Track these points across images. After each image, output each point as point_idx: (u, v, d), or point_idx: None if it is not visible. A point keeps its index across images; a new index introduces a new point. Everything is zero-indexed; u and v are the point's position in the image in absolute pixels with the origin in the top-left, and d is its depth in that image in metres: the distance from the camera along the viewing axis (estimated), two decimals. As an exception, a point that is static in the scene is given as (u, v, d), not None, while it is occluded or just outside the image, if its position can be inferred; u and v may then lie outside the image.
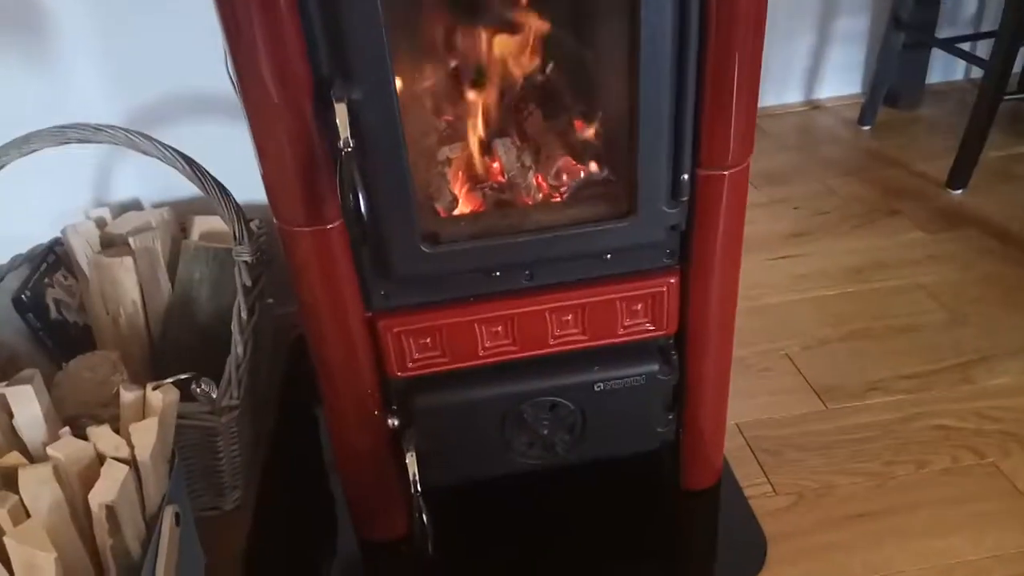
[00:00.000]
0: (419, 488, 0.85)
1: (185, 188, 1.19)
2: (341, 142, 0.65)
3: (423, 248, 0.76)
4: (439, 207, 0.82)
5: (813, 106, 2.06)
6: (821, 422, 1.10)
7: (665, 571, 0.93)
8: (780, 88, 2.06)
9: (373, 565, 0.97)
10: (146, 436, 0.79)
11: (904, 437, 1.07)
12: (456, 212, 0.82)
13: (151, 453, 0.78)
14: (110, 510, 0.73)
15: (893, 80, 1.94)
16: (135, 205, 1.30)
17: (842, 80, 2.08)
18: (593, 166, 0.84)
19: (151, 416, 0.82)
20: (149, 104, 1.23)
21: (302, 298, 0.79)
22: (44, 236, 1.21)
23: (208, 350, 1.08)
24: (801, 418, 1.11)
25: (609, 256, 0.82)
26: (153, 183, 1.29)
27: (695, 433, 0.95)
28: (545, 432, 0.90)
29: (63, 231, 1.18)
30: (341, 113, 0.66)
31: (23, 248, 1.18)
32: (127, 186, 1.30)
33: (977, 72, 1.87)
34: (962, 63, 2.10)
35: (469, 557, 0.96)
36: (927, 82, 2.06)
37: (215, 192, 1.00)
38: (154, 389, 0.84)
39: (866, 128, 1.94)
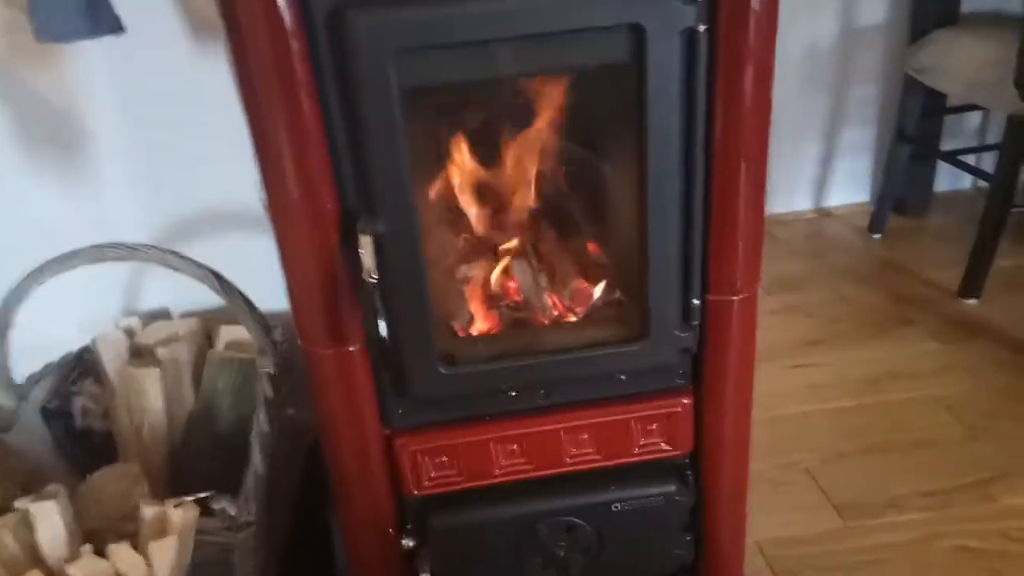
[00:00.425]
0: (433, 609, 0.85)
1: (212, 298, 1.24)
2: (365, 273, 0.69)
3: (440, 369, 0.78)
4: (456, 326, 0.85)
5: (823, 213, 2.11)
6: (841, 541, 1.09)
7: None
8: (789, 195, 2.11)
9: None
10: (165, 555, 0.80)
11: (926, 559, 1.05)
12: (473, 331, 0.85)
13: (169, 571, 0.79)
14: (126, 633, 0.73)
15: (901, 189, 1.98)
16: (164, 314, 1.34)
17: (850, 188, 2.13)
18: (606, 288, 0.87)
19: (171, 532, 0.83)
20: (180, 217, 1.29)
21: (321, 414, 0.81)
22: (74, 343, 1.24)
23: (227, 459, 1.09)
24: (821, 536, 1.10)
25: (623, 377, 0.84)
26: (182, 293, 1.34)
27: (714, 554, 0.94)
28: (561, 553, 0.90)
29: (93, 340, 1.22)
30: (366, 246, 0.69)
31: (53, 354, 1.22)
32: (157, 295, 1.34)
33: (984, 180, 1.92)
34: (968, 172, 2.15)
35: None
36: (934, 190, 2.11)
37: (242, 306, 1.03)
38: (175, 506, 0.85)
39: (876, 236, 1.97)
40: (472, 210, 0.92)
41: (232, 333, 1.25)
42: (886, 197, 1.97)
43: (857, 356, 1.50)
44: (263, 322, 1.05)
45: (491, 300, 0.90)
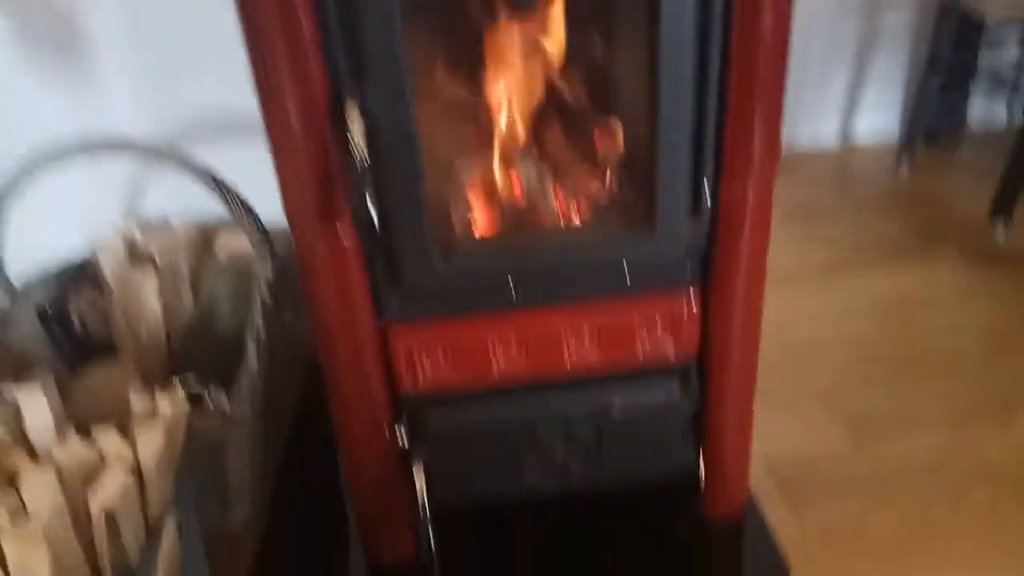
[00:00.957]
0: (427, 510, 0.83)
1: (213, 207, 1.21)
2: (353, 150, 0.65)
3: (436, 261, 0.74)
4: (455, 222, 0.81)
5: (849, 147, 2.03)
6: (851, 460, 1.05)
7: (683, 608, 0.89)
8: (814, 126, 2.03)
9: (380, 590, 0.94)
10: (152, 442, 0.78)
11: (941, 476, 1.01)
12: (473, 227, 0.81)
13: (156, 460, 0.77)
14: (109, 515, 0.71)
15: (931, 121, 1.90)
16: (164, 222, 1.32)
17: (878, 120, 2.05)
18: (613, 182, 0.82)
19: (160, 423, 0.82)
20: (179, 123, 1.25)
21: (312, 303, 0.79)
22: (74, 249, 1.23)
23: (226, 365, 1.07)
24: (831, 455, 1.06)
25: (628, 274, 0.80)
26: (182, 201, 1.31)
27: (717, 462, 0.91)
28: (559, 457, 0.87)
29: (92, 246, 1.20)
30: (355, 120, 0.65)
31: (52, 260, 1.20)
32: (157, 203, 1.32)
33: (1018, 114, 1.84)
34: (1003, 106, 2.06)
35: (479, 585, 0.92)
36: (967, 124, 2.02)
37: (238, 208, 1.00)
38: (163, 394, 0.83)
39: (903, 169, 1.90)
40: (473, 101, 0.88)
41: (232, 242, 1.22)
42: (915, 129, 1.89)
43: (878, 283, 1.45)
44: (260, 225, 1.02)
45: (493, 196, 0.86)
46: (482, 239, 0.79)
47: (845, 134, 2.05)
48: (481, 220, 0.82)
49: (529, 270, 0.77)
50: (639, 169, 0.78)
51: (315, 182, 0.71)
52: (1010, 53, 2.04)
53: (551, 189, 0.83)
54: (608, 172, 0.83)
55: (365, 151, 0.66)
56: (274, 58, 0.67)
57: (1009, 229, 1.58)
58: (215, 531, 1.01)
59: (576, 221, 0.81)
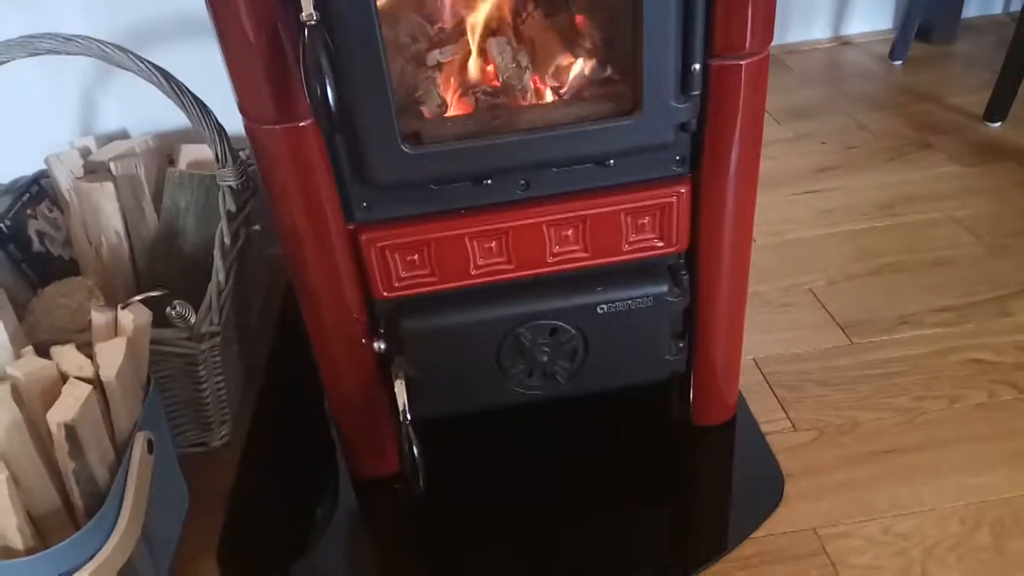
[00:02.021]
0: (408, 419, 0.80)
1: (173, 119, 1.14)
2: (304, 14, 0.58)
3: (404, 148, 0.69)
4: (425, 111, 0.75)
5: (842, 41, 1.95)
6: (846, 357, 1.03)
7: (675, 509, 0.87)
8: (806, 23, 1.94)
9: (365, 504, 0.92)
10: (112, 356, 0.74)
11: (937, 371, 0.99)
12: (443, 114, 0.75)
13: (117, 374, 0.73)
14: (70, 430, 0.68)
15: (926, 14, 1.82)
16: (122, 136, 1.25)
17: (872, 14, 1.96)
18: (595, 63, 0.76)
19: (121, 336, 0.77)
20: (134, 26, 1.17)
21: (276, 208, 0.73)
22: (28, 168, 1.16)
23: (194, 282, 1.02)
24: (824, 353, 1.03)
25: (612, 162, 0.74)
26: (140, 113, 1.24)
27: (707, 362, 0.88)
28: (544, 359, 0.84)
29: (46, 161, 1.13)
30: (306, -13, 0.59)
31: (5, 178, 1.13)
32: (114, 117, 1.25)
33: (1016, 5, 1.75)
34: (1002, -6, 1.98)
35: (465, 495, 0.90)
36: (963, 16, 1.94)
37: (194, 110, 0.93)
38: (123, 308, 0.78)
39: (897, 63, 1.83)
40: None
41: (195, 153, 1.16)
42: (910, 22, 1.81)
43: (873, 181, 1.40)
44: (220, 129, 0.96)
45: (465, 80, 0.79)
46: (453, 125, 0.73)
47: (837, 28, 1.96)
48: (453, 106, 0.76)
49: (506, 160, 0.72)
50: (624, 46, 0.71)
51: (265, 57, 0.64)
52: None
53: (528, 71, 0.76)
54: (590, 51, 0.77)
55: (313, 8, 0.59)
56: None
57: (1007, 123, 1.52)
58: (196, 453, 0.99)
59: (556, 106, 0.75)
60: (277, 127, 0.68)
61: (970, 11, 1.97)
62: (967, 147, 1.47)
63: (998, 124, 1.52)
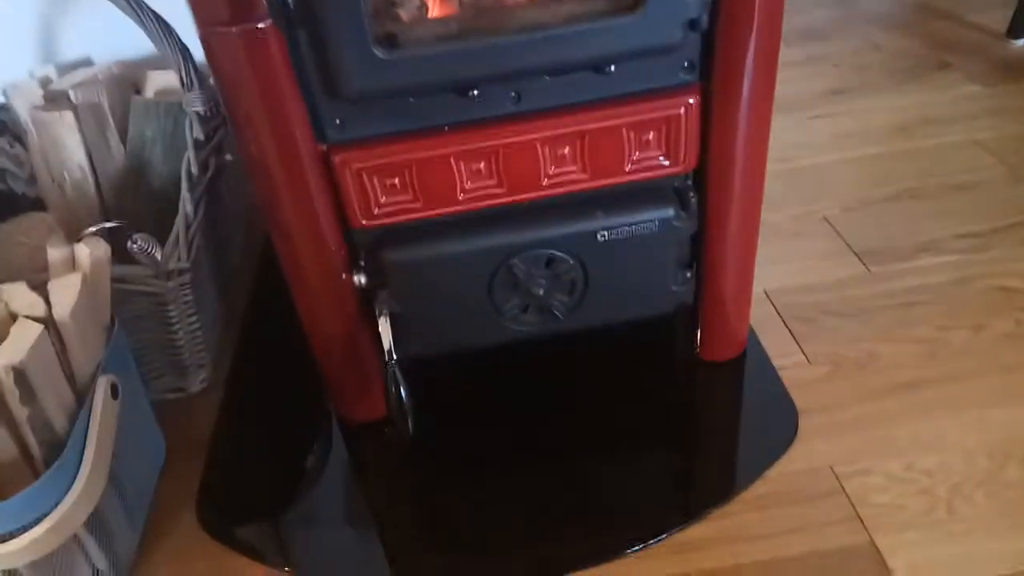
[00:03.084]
0: (394, 359, 0.74)
1: (141, 45, 1.05)
2: None
3: (377, 53, 0.61)
4: (401, 11, 0.67)
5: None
6: (863, 286, 0.96)
7: (682, 449, 0.82)
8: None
9: (354, 449, 0.87)
10: (67, 293, 0.68)
11: (960, 300, 0.93)
12: (422, 12, 0.67)
13: (72, 312, 0.67)
14: (19, 373, 0.62)
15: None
16: (86, 64, 1.16)
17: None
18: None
19: (77, 271, 0.71)
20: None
21: (238, 130, 0.66)
22: (-14, 101, 1.08)
23: (166, 217, 0.95)
24: (840, 283, 0.97)
25: (613, 68, 0.67)
26: (106, 40, 1.15)
27: (717, 293, 0.82)
28: (540, 292, 0.77)
29: (3, 91, 1.05)
30: None
31: (-41, 111, 1.06)
32: (77, 43, 1.16)
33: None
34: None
35: (458, 437, 0.85)
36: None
37: (154, 27, 0.85)
38: (79, 242, 0.72)
39: (914, -22, 1.72)
40: None
41: (164, 81, 1.07)
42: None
43: (888, 103, 1.31)
44: (184, 50, 0.88)
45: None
46: (433, 27, 0.65)
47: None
48: (433, 5, 0.68)
49: (493, 66, 0.64)
50: (624, -66, 0.63)
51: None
52: None
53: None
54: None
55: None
56: None
57: (1031, 40, 1.43)
58: (173, 399, 0.93)
59: (549, 3, 0.67)
60: (232, 29, 0.60)
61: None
62: (988, 66, 1.38)
63: (1022, 41, 1.43)
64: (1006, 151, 1.17)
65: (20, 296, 0.67)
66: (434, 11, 0.69)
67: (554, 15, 0.65)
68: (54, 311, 0.66)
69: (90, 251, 0.71)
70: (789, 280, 0.98)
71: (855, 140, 1.23)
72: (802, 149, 1.22)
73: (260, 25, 0.60)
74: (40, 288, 0.70)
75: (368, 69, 0.62)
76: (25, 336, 0.63)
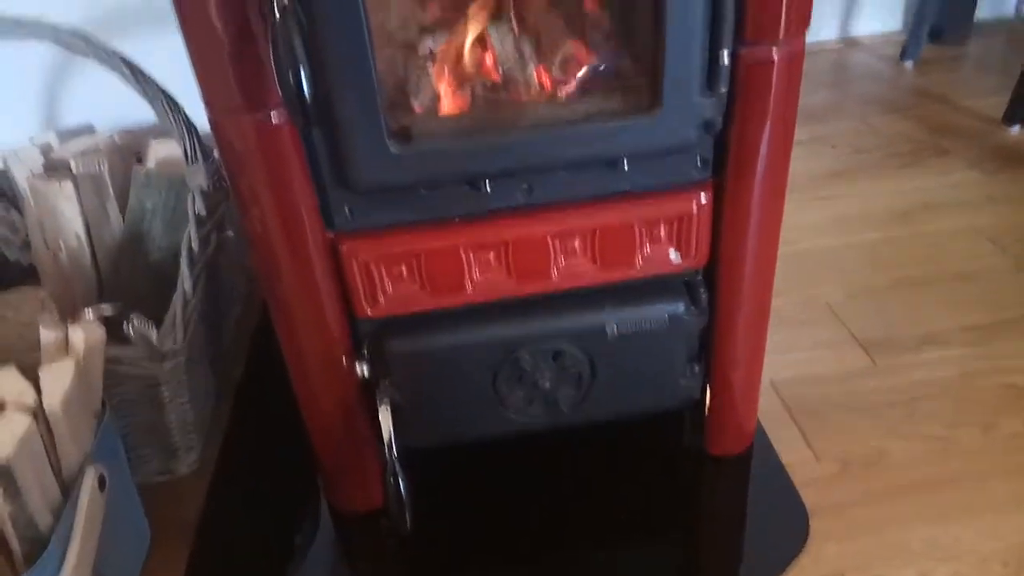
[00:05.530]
0: (395, 450, 0.71)
1: (144, 114, 1.05)
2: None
3: (391, 147, 0.60)
4: (416, 104, 0.66)
5: (850, 42, 1.88)
6: (869, 379, 0.95)
7: (689, 549, 0.79)
8: (814, 23, 1.86)
9: (346, 540, 0.84)
10: (58, 381, 0.65)
11: (968, 397, 0.91)
12: (436, 108, 0.67)
13: (63, 401, 0.64)
14: (4, 470, 0.59)
15: (937, 14, 1.75)
16: (88, 131, 1.16)
17: (881, 15, 1.89)
18: (609, 51, 0.68)
19: (71, 356, 0.68)
20: (99, 9, 1.08)
21: (245, 213, 0.64)
22: (-15, 167, 1.07)
23: (162, 292, 0.93)
24: (846, 375, 0.96)
25: (627, 165, 0.66)
26: (108, 107, 1.15)
27: (725, 387, 0.80)
28: (547, 386, 0.76)
29: (3, 158, 1.04)
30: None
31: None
32: (79, 110, 1.16)
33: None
34: (1014, -4, 1.91)
35: (456, 532, 0.82)
36: (975, 17, 1.87)
37: (160, 102, 0.85)
38: (74, 324, 0.70)
39: (908, 63, 1.76)
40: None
41: (166, 150, 1.07)
42: (921, 21, 1.74)
43: (887, 187, 1.32)
44: (188, 123, 0.87)
45: (462, 76, 0.71)
46: (447, 122, 0.64)
47: (846, 28, 1.89)
48: (447, 100, 0.67)
49: (506, 161, 0.64)
50: (642, 33, 0.63)
51: (230, 38, 0.55)
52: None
53: (532, 62, 0.68)
54: (603, 38, 0.69)
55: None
56: None
57: (1026, 127, 1.46)
58: (160, 483, 0.90)
59: (563, 101, 0.67)
60: (244, 117, 0.59)
61: (983, 12, 1.90)
62: (985, 152, 1.40)
63: (1017, 128, 1.46)
64: (1007, 239, 1.17)
65: (10, 382, 0.65)
66: (448, 105, 0.69)
67: (570, 112, 0.65)
68: (44, 401, 0.64)
69: (85, 336, 0.69)
70: (795, 371, 0.97)
71: (856, 224, 1.24)
72: (804, 231, 1.22)
73: (273, 114, 0.59)
74: (30, 371, 0.68)
75: (381, 163, 0.61)
76: (12, 430, 0.60)
